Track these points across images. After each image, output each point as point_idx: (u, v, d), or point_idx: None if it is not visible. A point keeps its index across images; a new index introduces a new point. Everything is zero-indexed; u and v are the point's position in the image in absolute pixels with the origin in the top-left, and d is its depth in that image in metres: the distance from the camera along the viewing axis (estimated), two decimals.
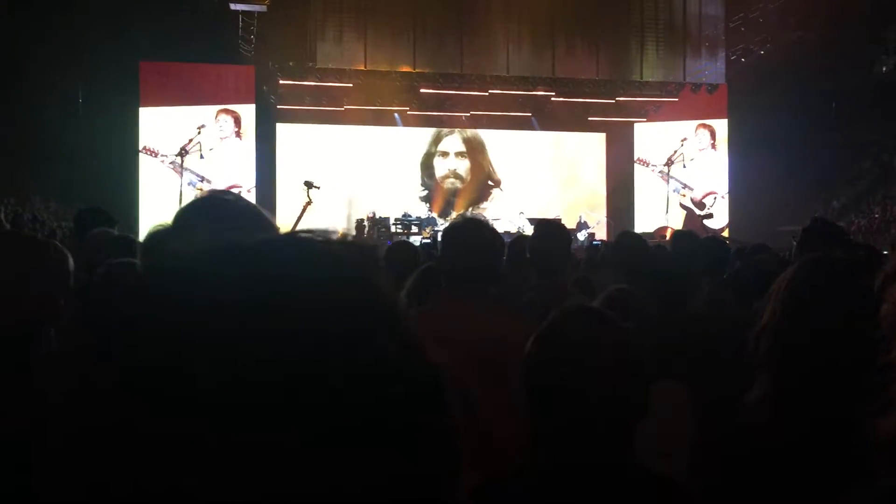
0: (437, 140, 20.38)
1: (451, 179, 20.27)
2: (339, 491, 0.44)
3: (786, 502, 1.34)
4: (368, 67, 17.78)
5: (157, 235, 1.62)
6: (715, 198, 20.19)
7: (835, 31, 18.23)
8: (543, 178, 20.48)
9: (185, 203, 1.66)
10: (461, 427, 0.51)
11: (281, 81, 18.01)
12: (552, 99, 19.67)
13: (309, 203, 8.36)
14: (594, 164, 21.11)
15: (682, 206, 20.37)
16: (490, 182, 20.54)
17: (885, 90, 19.89)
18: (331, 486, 0.44)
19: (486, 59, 18.23)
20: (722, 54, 19.32)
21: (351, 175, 18.76)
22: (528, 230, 11.78)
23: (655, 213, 20.08)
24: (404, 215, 17.47)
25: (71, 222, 6.54)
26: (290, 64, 17.74)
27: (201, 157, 17.57)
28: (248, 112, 18.06)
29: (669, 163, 20.38)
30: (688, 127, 20.37)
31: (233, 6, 15.98)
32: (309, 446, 0.44)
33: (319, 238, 0.52)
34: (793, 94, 19.68)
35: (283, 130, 19.37)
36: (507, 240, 3.25)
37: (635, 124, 20.86)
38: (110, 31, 16.10)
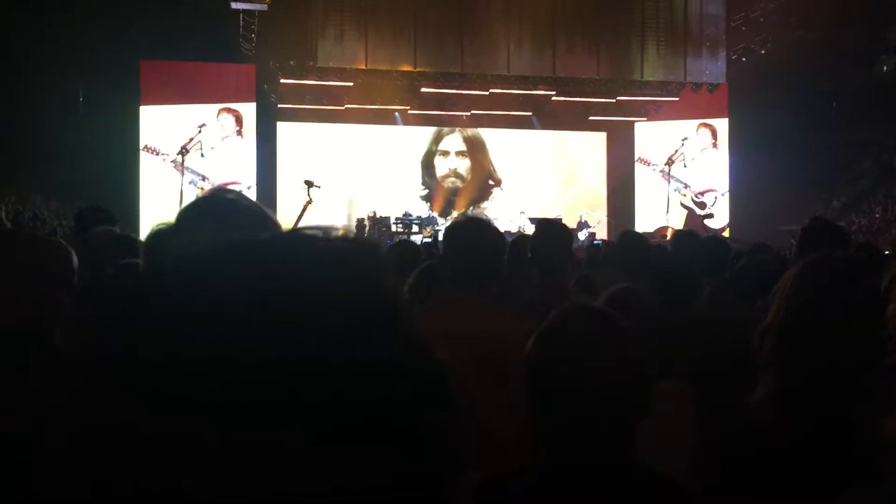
0: (437, 139, 20.39)
1: (452, 179, 20.27)
2: (342, 490, 0.44)
3: (788, 502, 1.33)
4: (369, 66, 17.77)
5: (160, 234, 1.62)
6: (715, 196, 20.19)
7: (836, 30, 18.24)
8: (544, 178, 20.49)
9: (187, 202, 1.66)
10: (466, 426, 0.50)
11: (282, 80, 18.01)
12: (553, 98, 19.66)
13: (309, 202, 8.37)
14: (595, 164, 21.11)
15: (683, 206, 20.37)
16: (491, 181, 20.54)
17: (885, 90, 19.89)
18: (334, 485, 0.44)
19: (486, 58, 18.22)
20: (723, 54, 19.31)
21: (351, 174, 18.78)
22: (529, 230, 11.78)
23: (656, 212, 20.08)
24: (405, 214, 17.48)
25: (72, 221, 6.54)
26: (291, 63, 17.73)
27: (202, 155, 17.58)
28: (248, 111, 18.07)
29: (670, 162, 20.38)
30: (688, 126, 20.36)
31: (234, 5, 15.97)
32: (312, 445, 0.44)
33: (322, 235, 0.52)
34: (793, 94, 19.69)
35: (283, 129, 19.38)
36: (507, 239, 3.25)
37: (636, 124, 20.86)
38: (111, 30, 16.11)
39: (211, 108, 17.75)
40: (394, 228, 16.88)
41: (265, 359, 0.44)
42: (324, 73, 17.98)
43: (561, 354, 1.43)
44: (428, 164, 20.21)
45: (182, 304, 0.46)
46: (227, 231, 0.51)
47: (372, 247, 0.53)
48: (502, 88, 19.06)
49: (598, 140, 21.23)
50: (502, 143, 20.60)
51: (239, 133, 17.96)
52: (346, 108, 18.89)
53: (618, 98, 19.84)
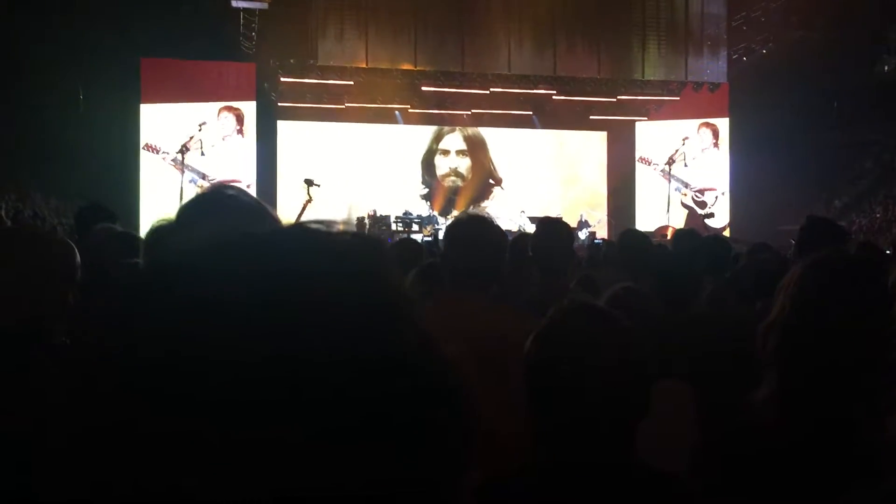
0: (438, 138, 20.38)
1: (452, 178, 20.27)
2: (343, 487, 0.44)
3: (788, 502, 1.33)
4: (370, 65, 17.77)
5: (160, 231, 1.61)
6: (716, 196, 20.18)
7: (837, 30, 18.22)
8: (544, 177, 20.48)
9: (187, 198, 1.65)
10: (471, 424, 0.50)
11: (282, 79, 18.00)
12: (553, 97, 19.65)
13: (309, 201, 8.35)
14: (595, 163, 21.10)
15: (684, 206, 20.36)
16: (491, 180, 20.54)
17: (886, 90, 19.88)
18: (335, 483, 0.44)
19: (487, 57, 18.22)
20: (724, 53, 19.29)
21: (352, 173, 18.76)
22: (529, 229, 11.77)
23: (656, 212, 20.06)
24: (405, 213, 17.48)
25: (71, 219, 6.53)
26: (291, 61, 17.73)
27: (202, 154, 17.58)
28: (248, 109, 18.07)
29: (671, 162, 20.36)
30: (689, 126, 20.35)
31: (234, 3, 15.96)
32: (312, 443, 0.44)
33: (325, 230, 0.51)
34: (795, 94, 19.67)
35: (283, 128, 19.37)
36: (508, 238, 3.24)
37: (637, 123, 20.85)
38: (111, 29, 16.10)
39: (211, 107, 17.75)
40: (394, 227, 16.88)
41: (265, 356, 0.44)
42: (324, 72, 17.97)
43: (560, 353, 1.43)
44: (428, 163, 20.20)
45: (182, 301, 0.46)
46: (228, 227, 0.51)
47: (375, 241, 0.53)
48: (503, 87, 19.06)
49: (599, 139, 21.21)
50: (503, 143, 20.59)
51: (240, 132, 17.96)
52: (347, 106, 18.88)
53: (618, 97, 19.83)
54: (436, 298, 2.43)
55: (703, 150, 20.36)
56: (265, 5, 16.14)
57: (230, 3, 15.91)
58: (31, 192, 16.76)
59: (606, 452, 1.40)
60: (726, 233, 18.41)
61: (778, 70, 18.88)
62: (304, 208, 8.10)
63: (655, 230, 18.02)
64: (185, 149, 17.47)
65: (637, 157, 20.72)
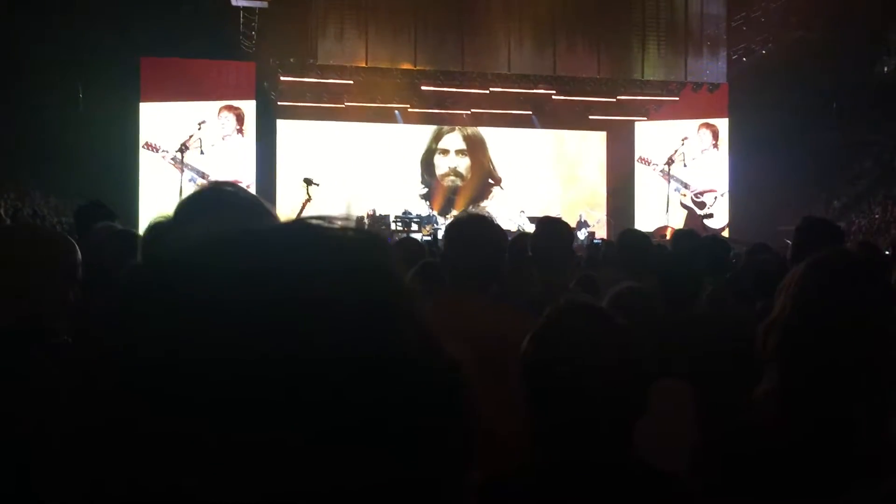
0: (437, 137, 20.37)
1: (452, 177, 20.26)
2: (342, 490, 0.44)
3: (788, 501, 1.33)
4: (369, 64, 17.75)
5: (158, 227, 1.61)
6: (715, 196, 20.19)
7: (836, 31, 18.21)
8: (544, 177, 20.48)
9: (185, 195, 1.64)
10: (473, 425, 0.50)
11: (282, 78, 17.99)
12: (553, 97, 19.64)
13: (308, 200, 8.34)
14: (595, 163, 21.10)
15: (683, 206, 20.36)
16: (490, 180, 20.53)
17: (886, 90, 19.87)
18: (334, 485, 0.44)
19: (487, 56, 18.21)
20: (723, 53, 19.29)
21: (351, 172, 18.75)
22: (529, 229, 11.77)
23: (656, 212, 20.07)
24: (404, 213, 17.49)
25: (71, 218, 6.52)
26: (291, 60, 17.71)
27: (202, 153, 17.58)
28: (248, 108, 18.08)
29: (670, 162, 20.37)
30: (689, 126, 20.36)
31: (234, 2, 15.95)
32: (311, 444, 0.43)
33: (325, 225, 0.51)
34: (794, 94, 19.66)
35: (283, 127, 19.36)
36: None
37: (636, 123, 20.85)
38: (111, 29, 16.09)
39: (211, 106, 17.76)
40: (393, 227, 16.89)
41: (264, 356, 0.43)
42: (324, 71, 17.96)
43: (556, 353, 1.43)
44: (428, 163, 20.20)
45: (181, 300, 0.46)
46: (226, 224, 0.50)
47: (375, 236, 0.52)
48: (502, 87, 19.04)
49: (599, 139, 21.21)
50: (502, 142, 20.59)
51: (240, 131, 17.97)
52: (346, 105, 18.87)
53: (618, 97, 19.82)
54: (435, 298, 2.43)
55: (702, 150, 20.36)
56: (265, 4, 16.13)
57: (230, 2, 15.90)
58: (30, 191, 16.74)
59: (604, 451, 1.40)
60: (725, 233, 18.43)
61: (777, 70, 18.88)
62: (303, 207, 8.09)
63: (655, 230, 18.02)
64: (185, 147, 17.47)
65: (636, 157, 20.72)
